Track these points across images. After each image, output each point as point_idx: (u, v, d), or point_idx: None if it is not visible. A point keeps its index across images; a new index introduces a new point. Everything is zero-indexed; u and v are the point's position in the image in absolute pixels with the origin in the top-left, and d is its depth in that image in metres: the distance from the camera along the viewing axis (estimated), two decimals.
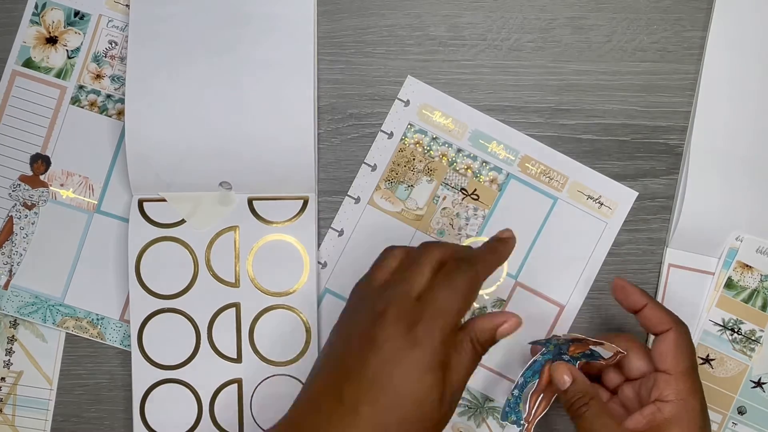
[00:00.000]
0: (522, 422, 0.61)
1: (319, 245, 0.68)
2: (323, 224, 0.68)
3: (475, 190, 0.67)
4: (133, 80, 0.66)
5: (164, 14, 0.66)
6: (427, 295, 0.52)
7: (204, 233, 0.67)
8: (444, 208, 0.68)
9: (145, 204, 0.67)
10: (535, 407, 0.61)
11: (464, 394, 0.67)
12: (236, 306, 0.67)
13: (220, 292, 0.67)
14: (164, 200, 0.67)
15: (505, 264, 0.67)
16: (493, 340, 0.54)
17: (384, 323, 0.51)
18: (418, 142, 0.68)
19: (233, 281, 0.67)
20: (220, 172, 0.66)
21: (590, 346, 0.60)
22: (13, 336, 0.68)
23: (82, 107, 0.68)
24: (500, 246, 0.57)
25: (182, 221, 0.67)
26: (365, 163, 0.68)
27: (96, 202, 0.68)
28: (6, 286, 0.68)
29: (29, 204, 0.68)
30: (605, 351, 0.61)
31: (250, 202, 0.67)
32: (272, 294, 0.67)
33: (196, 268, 0.67)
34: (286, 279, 0.67)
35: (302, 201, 0.67)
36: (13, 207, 0.68)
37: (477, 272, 0.53)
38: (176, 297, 0.67)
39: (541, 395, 0.61)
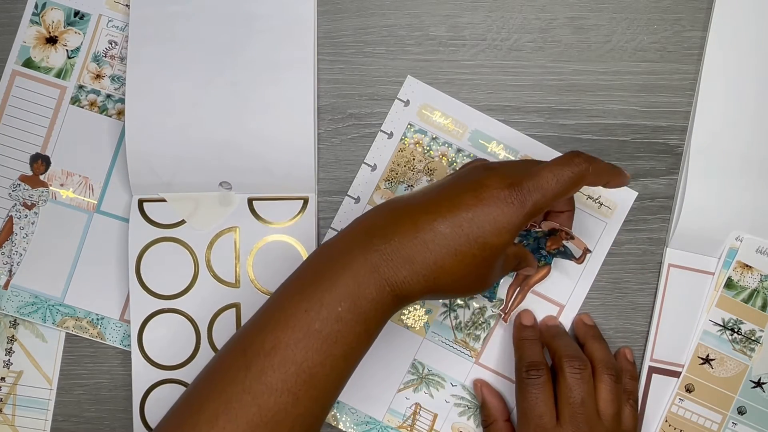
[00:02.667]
0: (492, 298, 0.67)
1: (318, 245, 0.68)
2: (323, 224, 0.68)
3: None
4: (133, 80, 0.66)
5: (164, 14, 0.66)
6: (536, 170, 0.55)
7: (204, 234, 0.67)
8: None
9: (145, 204, 0.67)
10: (512, 299, 0.67)
11: (464, 394, 0.67)
12: (236, 306, 0.67)
13: (221, 293, 0.67)
14: (164, 200, 0.67)
15: None
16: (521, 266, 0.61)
17: (492, 173, 0.54)
18: (418, 142, 0.68)
19: (233, 282, 0.67)
20: (220, 172, 0.66)
21: (563, 242, 0.64)
22: (13, 336, 0.68)
23: (82, 107, 0.68)
24: (615, 169, 0.58)
25: (182, 222, 0.67)
26: (365, 163, 0.68)
27: (96, 202, 0.68)
28: (6, 285, 0.68)
29: (29, 204, 0.68)
30: (575, 248, 0.65)
31: (250, 202, 0.67)
32: None
33: (196, 269, 0.67)
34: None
35: (302, 201, 0.67)
36: (13, 207, 0.68)
37: (585, 171, 0.55)
38: (176, 297, 0.67)
39: (518, 288, 0.67)
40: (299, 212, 0.67)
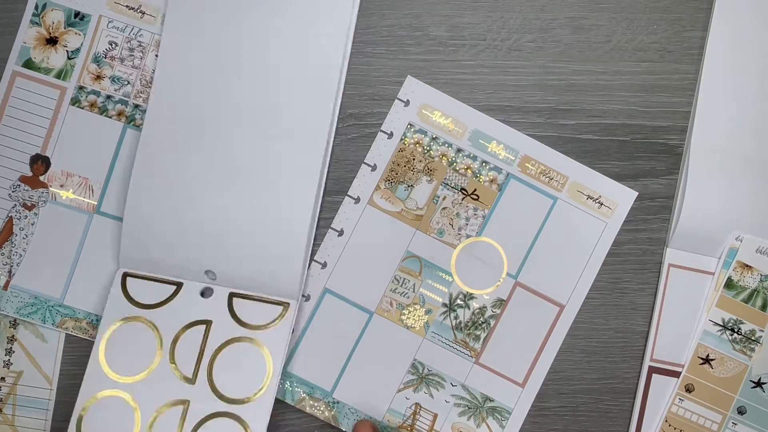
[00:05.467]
0: None
1: (318, 245, 0.68)
2: (323, 224, 0.68)
3: (475, 190, 0.67)
4: (143, 157, 0.66)
5: (181, 92, 0.66)
6: None
7: (177, 321, 0.66)
8: (444, 208, 0.68)
9: (128, 279, 0.66)
10: None
11: (464, 394, 0.67)
12: (185, 404, 0.65)
13: (174, 386, 0.65)
14: (148, 278, 0.66)
15: (505, 264, 0.67)
16: None
17: None
18: (418, 142, 0.68)
19: (190, 377, 0.65)
20: (209, 260, 0.66)
21: None
22: (13, 336, 0.68)
23: (82, 108, 0.68)
24: None
25: (159, 304, 0.66)
26: (365, 163, 0.68)
27: (95, 203, 0.68)
28: (6, 286, 0.68)
29: (29, 205, 0.68)
30: None
31: (230, 297, 0.66)
32: (226, 400, 0.65)
33: (158, 356, 0.65)
34: (244, 387, 0.65)
35: (282, 307, 0.66)
36: (13, 207, 0.68)
37: None
38: (130, 380, 0.65)
39: None
40: (276, 318, 0.66)
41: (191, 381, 0.65)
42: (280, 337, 0.66)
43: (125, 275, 0.66)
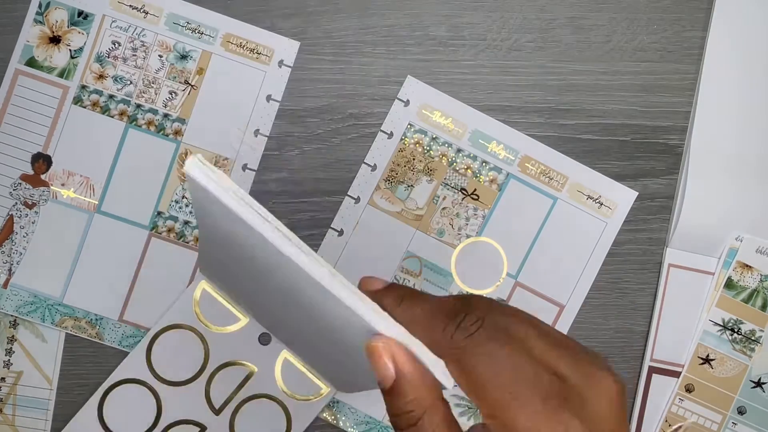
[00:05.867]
0: None
1: (318, 245, 0.68)
2: (323, 224, 0.68)
3: (475, 190, 0.67)
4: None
5: None
6: None
7: (228, 353, 0.66)
8: (444, 208, 0.68)
9: (204, 292, 0.66)
10: None
11: (464, 394, 0.67)
12: (202, 430, 0.66)
13: (200, 407, 0.66)
14: (221, 298, 0.67)
15: (505, 264, 0.67)
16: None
17: None
18: (418, 142, 0.68)
19: (217, 408, 0.66)
20: (274, 327, 0.65)
21: None
22: (13, 336, 0.68)
23: (85, 107, 0.68)
24: None
25: (219, 329, 0.67)
26: (365, 163, 0.68)
27: (96, 203, 0.68)
28: (5, 284, 0.68)
29: (30, 203, 0.68)
30: None
31: (282, 357, 0.66)
32: None
33: (199, 374, 0.66)
34: None
35: (321, 390, 0.66)
36: (14, 206, 0.68)
37: None
38: (163, 380, 0.67)
39: None
40: (311, 397, 0.66)
41: (216, 412, 0.66)
42: (307, 414, 0.66)
43: (202, 286, 0.67)
